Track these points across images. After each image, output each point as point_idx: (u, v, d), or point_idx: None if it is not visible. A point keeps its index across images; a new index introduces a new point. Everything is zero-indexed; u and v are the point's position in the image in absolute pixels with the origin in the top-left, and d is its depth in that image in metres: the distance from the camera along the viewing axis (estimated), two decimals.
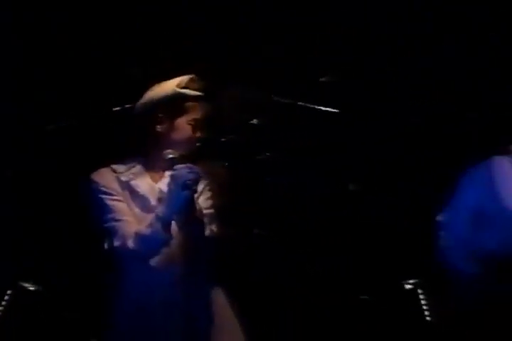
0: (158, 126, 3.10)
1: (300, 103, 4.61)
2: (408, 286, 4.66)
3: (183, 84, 3.14)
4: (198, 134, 3.13)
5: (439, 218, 3.84)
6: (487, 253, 3.70)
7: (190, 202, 2.96)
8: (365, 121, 4.76)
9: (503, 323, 3.54)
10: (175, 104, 3.11)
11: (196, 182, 2.96)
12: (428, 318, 4.50)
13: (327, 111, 4.59)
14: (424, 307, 4.55)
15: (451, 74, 4.77)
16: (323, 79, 4.60)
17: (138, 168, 3.15)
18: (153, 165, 3.16)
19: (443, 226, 3.79)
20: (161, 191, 3.10)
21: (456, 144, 4.56)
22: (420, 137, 4.70)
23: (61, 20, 4.73)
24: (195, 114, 3.12)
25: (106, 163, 3.22)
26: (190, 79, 3.15)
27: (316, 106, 4.59)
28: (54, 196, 4.50)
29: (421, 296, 4.59)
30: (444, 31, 4.77)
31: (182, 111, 3.12)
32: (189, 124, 3.11)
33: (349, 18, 4.82)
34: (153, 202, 3.10)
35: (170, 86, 3.16)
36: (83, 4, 4.73)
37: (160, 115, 3.11)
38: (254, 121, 4.59)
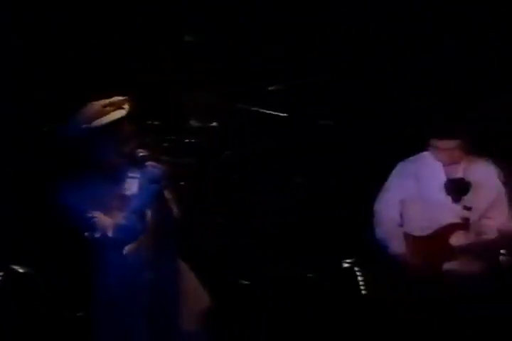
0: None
1: (254, 108, 4.75)
2: (346, 265, 4.81)
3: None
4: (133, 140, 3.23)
5: (374, 206, 4.13)
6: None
7: (159, 193, 3.19)
8: (310, 124, 4.84)
9: (425, 296, 3.92)
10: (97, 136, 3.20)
11: (162, 176, 3.18)
12: (363, 292, 4.65)
13: (277, 115, 4.73)
14: (360, 283, 4.69)
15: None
16: (271, 88, 4.74)
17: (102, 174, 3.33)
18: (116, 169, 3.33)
19: (377, 213, 4.08)
20: (123, 190, 3.29)
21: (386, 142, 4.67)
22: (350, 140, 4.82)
23: (61, 20, 4.64)
24: (121, 130, 3.21)
25: None
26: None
27: (267, 111, 4.75)
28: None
29: (357, 273, 4.73)
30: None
31: (110, 136, 3.22)
32: (120, 142, 3.22)
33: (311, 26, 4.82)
34: (116, 201, 3.27)
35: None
36: (83, 4, 4.66)
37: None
38: (214, 124, 4.73)
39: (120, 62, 4.67)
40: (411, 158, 4.09)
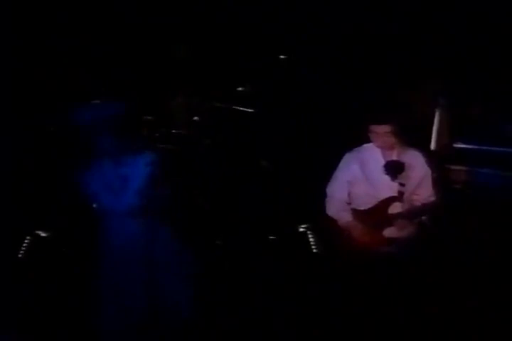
0: None
1: (227, 105, 5.13)
2: (301, 229, 5.30)
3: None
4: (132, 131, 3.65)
5: (326, 189, 4.41)
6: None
7: (152, 174, 3.59)
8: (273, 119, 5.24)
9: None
10: None
11: (155, 161, 3.58)
12: (315, 251, 5.11)
13: (245, 111, 5.12)
14: (312, 243, 5.17)
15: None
16: (240, 88, 5.13)
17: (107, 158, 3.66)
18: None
19: (329, 194, 4.37)
20: (124, 171, 3.62)
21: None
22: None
23: (61, 19, 4.75)
24: (123, 123, 3.63)
25: None
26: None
27: (238, 108, 5.13)
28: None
29: (310, 236, 5.23)
30: None
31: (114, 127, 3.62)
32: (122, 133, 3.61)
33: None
34: (118, 180, 3.62)
35: None
36: (83, 4, 4.74)
37: None
38: (196, 118, 5.10)
39: (119, 61, 4.88)
40: (355, 148, 4.39)
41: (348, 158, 4.40)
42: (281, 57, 5.20)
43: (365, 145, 4.37)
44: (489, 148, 5.13)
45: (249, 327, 4.35)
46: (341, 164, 4.42)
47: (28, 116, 4.85)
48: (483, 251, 4.61)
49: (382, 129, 4.20)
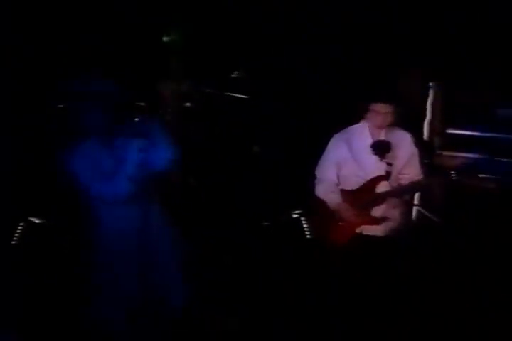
0: None
1: (218, 91, 5.16)
2: (295, 215, 5.37)
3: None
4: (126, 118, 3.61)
5: (315, 170, 4.38)
6: None
7: (145, 160, 3.51)
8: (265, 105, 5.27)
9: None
10: None
11: (147, 147, 3.51)
12: (308, 236, 5.15)
13: (238, 97, 5.15)
14: (305, 228, 5.22)
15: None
16: (233, 75, 5.16)
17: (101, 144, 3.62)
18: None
19: (318, 175, 4.33)
20: (117, 157, 3.58)
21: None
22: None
23: (61, 19, 4.76)
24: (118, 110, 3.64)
25: None
26: None
27: (230, 94, 5.15)
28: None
29: (303, 221, 5.27)
30: None
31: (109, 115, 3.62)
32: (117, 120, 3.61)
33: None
34: (111, 166, 3.58)
35: None
36: (84, 4, 4.77)
37: None
38: (188, 104, 5.13)
39: (117, 60, 4.89)
40: (343, 129, 4.34)
41: (336, 139, 4.35)
42: (274, 43, 5.19)
43: (352, 126, 4.31)
44: (483, 133, 5.08)
45: (244, 312, 4.33)
46: (329, 146, 4.36)
47: (22, 100, 4.87)
48: (478, 238, 4.58)
49: (385, 109, 4.13)
